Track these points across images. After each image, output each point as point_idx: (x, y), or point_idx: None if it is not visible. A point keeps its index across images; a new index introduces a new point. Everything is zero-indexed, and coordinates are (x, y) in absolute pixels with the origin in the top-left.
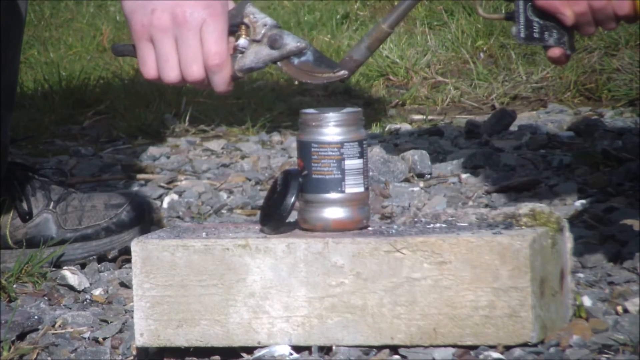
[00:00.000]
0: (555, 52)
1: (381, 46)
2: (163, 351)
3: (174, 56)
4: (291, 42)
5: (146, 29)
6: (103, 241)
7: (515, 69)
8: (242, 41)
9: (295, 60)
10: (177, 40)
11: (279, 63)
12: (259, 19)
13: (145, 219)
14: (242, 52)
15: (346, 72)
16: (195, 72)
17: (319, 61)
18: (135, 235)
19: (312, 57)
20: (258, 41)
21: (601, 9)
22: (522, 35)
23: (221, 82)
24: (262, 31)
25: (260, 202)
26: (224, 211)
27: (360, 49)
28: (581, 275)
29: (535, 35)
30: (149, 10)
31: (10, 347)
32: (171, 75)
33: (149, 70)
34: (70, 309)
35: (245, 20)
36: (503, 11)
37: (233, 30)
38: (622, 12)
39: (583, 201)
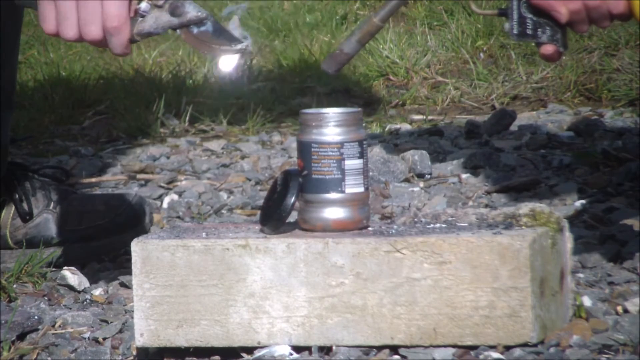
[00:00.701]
0: (548, 49)
1: (381, 46)
2: (163, 351)
3: (73, 14)
4: (192, 10)
5: None
6: (103, 242)
7: (515, 69)
8: (144, 5)
9: (195, 30)
10: (78, 0)
11: (178, 31)
12: None
13: (144, 219)
14: (142, 16)
15: (246, 45)
16: (93, 32)
17: (218, 33)
18: (135, 236)
19: (212, 28)
20: (159, 7)
21: (596, 8)
22: (515, 31)
23: (118, 44)
24: None
25: (260, 202)
26: (224, 211)
27: (351, 42)
28: (581, 275)
29: (529, 32)
30: None
31: (10, 347)
32: (70, 33)
33: (49, 26)
34: (70, 309)
35: None
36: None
37: None
38: (616, 10)
39: (583, 201)
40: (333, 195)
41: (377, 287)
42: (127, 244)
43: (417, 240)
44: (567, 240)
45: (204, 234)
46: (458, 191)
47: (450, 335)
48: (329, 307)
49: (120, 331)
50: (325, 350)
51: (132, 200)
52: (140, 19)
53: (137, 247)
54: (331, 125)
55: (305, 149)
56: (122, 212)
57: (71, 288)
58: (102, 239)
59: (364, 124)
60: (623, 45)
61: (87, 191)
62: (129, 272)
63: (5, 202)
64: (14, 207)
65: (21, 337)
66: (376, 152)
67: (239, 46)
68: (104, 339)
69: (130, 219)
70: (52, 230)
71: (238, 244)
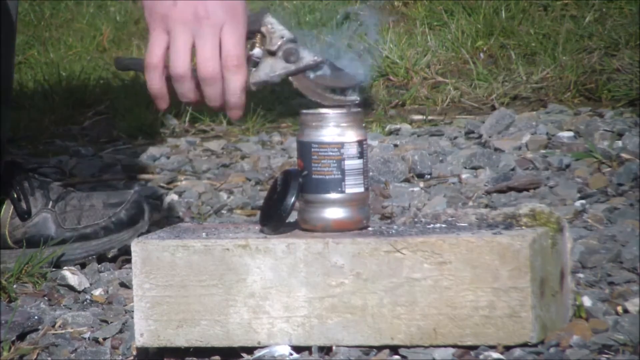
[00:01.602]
0: None
1: (381, 46)
2: (163, 351)
3: (187, 49)
4: (308, 55)
5: (166, 20)
6: (102, 240)
7: (515, 69)
8: (257, 50)
9: (312, 75)
10: (195, 36)
11: (291, 78)
12: (277, 31)
13: (144, 217)
14: (255, 62)
15: (358, 99)
16: (210, 67)
17: (335, 75)
18: (134, 234)
19: (329, 70)
20: (273, 53)
21: None
22: None
23: (237, 85)
24: (279, 43)
25: (260, 202)
26: (224, 211)
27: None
28: (581, 275)
29: None
30: (171, 3)
31: (10, 347)
32: (180, 67)
33: (154, 58)
34: (70, 309)
35: (263, 29)
36: None
37: (249, 37)
38: None
39: (583, 201)
40: (333, 196)
41: (377, 287)
42: (127, 242)
43: (417, 240)
44: (567, 240)
45: (204, 234)
46: (458, 191)
47: (450, 336)
48: (329, 307)
49: (120, 331)
50: (325, 350)
51: (130, 199)
52: (253, 69)
53: (137, 247)
54: (331, 126)
55: (305, 149)
56: (121, 210)
57: (71, 288)
58: (102, 237)
59: (364, 124)
60: (623, 46)
61: (87, 191)
62: (129, 273)
63: (4, 202)
64: (12, 207)
65: (21, 337)
66: (376, 152)
67: (352, 97)
68: (104, 339)
69: (129, 217)
70: (50, 229)
71: (238, 244)
